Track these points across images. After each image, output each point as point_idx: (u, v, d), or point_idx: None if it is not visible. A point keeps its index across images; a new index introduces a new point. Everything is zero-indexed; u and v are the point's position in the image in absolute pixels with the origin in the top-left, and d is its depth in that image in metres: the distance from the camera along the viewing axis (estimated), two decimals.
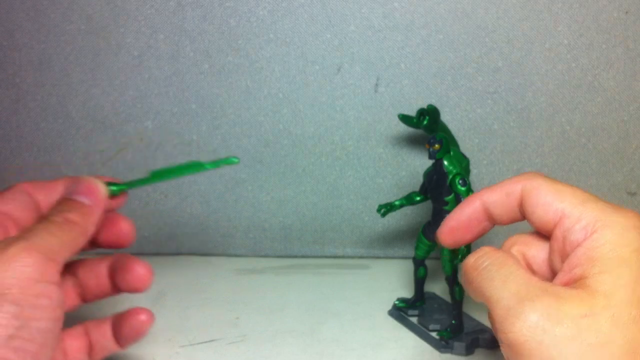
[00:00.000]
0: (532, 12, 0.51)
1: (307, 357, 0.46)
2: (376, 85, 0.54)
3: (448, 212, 0.43)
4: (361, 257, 0.61)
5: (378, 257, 0.61)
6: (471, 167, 0.53)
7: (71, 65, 0.54)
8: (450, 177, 0.45)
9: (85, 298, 0.42)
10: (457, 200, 0.45)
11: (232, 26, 0.53)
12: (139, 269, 0.40)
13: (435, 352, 0.46)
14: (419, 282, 0.51)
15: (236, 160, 0.39)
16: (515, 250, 0.36)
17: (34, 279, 0.33)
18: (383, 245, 0.60)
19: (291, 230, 0.60)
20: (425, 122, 0.47)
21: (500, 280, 0.31)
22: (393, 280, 0.57)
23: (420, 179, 0.48)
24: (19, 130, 0.57)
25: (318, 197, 0.58)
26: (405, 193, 0.49)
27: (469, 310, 0.49)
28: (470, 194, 0.43)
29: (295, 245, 0.60)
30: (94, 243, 0.41)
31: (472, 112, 0.54)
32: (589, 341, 0.28)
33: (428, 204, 0.48)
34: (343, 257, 0.61)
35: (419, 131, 0.50)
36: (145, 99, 0.55)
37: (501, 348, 0.31)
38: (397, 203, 0.48)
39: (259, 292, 0.54)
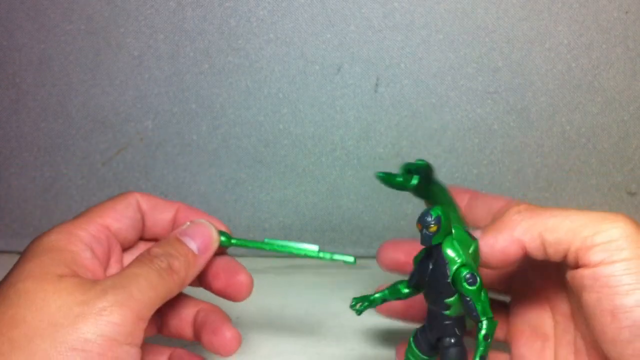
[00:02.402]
0: (532, 12, 0.51)
1: (307, 357, 0.46)
2: (376, 85, 0.54)
3: (449, 317, 0.34)
4: (361, 257, 0.60)
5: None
6: (471, 167, 0.53)
7: (71, 65, 0.54)
8: (454, 269, 0.33)
9: (162, 331, 0.39)
10: (464, 304, 0.33)
11: (232, 26, 0.53)
12: (227, 334, 0.37)
13: None
14: None
15: (353, 261, 0.38)
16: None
17: (118, 342, 0.30)
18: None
19: (291, 230, 0.60)
20: (414, 182, 0.37)
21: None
22: (393, 280, 0.57)
23: None
24: (19, 130, 0.57)
25: (318, 197, 0.58)
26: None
27: None
28: (483, 294, 0.33)
29: None
30: (202, 284, 0.39)
31: (472, 112, 0.54)
32: None
33: None
34: None
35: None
36: (145, 99, 0.55)
37: (580, 266, 0.32)
38: (377, 297, 0.37)
39: (259, 292, 0.54)
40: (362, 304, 0.37)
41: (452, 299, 0.33)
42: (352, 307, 0.37)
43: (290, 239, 0.60)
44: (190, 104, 0.55)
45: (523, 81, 0.53)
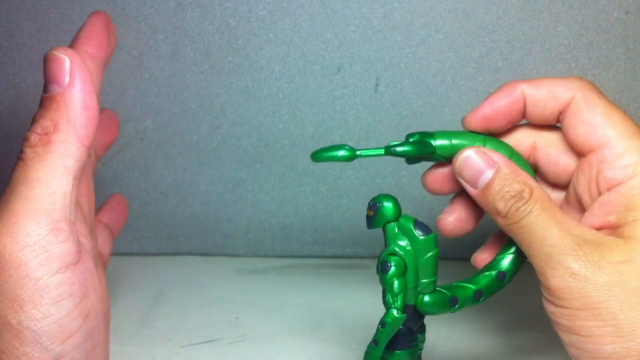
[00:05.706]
0: (532, 12, 0.51)
1: (307, 357, 0.46)
2: (376, 85, 0.54)
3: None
4: (361, 257, 0.61)
5: (378, 257, 0.61)
6: None
7: None
8: (381, 256, 0.35)
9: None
10: (383, 292, 0.34)
11: (232, 26, 0.53)
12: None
13: None
14: None
15: None
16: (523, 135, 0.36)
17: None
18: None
19: (291, 230, 0.60)
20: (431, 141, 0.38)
21: (541, 227, 0.31)
22: None
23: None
24: (19, 130, 0.57)
25: (318, 197, 0.58)
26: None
27: None
28: (396, 284, 0.34)
29: (295, 245, 0.60)
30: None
31: None
32: (630, 286, 0.30)
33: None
34: (343, 257, 0.61)
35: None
36: (145, 99, 0.55)
37: (541, 287, 0.32)
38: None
39: (259, 292, 0.54)
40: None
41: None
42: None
43: (290, 239, 0.61)
44: (190, 104, 0.55)
45: None
